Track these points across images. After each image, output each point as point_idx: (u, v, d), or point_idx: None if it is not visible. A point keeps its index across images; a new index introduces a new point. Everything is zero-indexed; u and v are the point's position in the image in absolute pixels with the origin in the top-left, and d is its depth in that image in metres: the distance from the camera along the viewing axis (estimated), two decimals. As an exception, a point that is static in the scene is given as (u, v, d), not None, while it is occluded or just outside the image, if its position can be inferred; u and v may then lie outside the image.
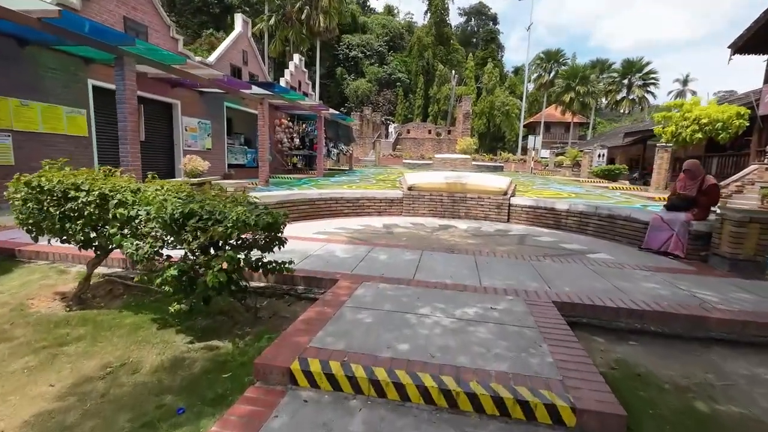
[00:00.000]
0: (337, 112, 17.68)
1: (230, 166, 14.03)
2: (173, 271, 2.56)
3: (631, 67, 38.60)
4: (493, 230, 6.69)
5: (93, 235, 3.08)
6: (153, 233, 2.68)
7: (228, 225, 2.50)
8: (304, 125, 18.30)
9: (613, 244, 5.86)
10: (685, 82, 60.92)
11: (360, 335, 2.43)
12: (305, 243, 4.94)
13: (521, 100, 50.47)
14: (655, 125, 13.87)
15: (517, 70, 68.74)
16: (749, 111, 11.86)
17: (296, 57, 19.94)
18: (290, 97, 13.12)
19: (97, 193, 2.86)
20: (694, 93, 62.26)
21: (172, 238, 2.72)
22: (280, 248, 3.04)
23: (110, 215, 2.80)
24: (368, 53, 55.61)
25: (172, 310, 2.64)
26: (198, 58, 12.89)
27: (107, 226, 2.91)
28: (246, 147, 15.22)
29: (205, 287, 2.54)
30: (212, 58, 13.87)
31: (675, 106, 12.83)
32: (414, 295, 3.18)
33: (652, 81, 38.23)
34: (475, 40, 67.41)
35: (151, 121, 10.15)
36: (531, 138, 26.42)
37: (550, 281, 3.73)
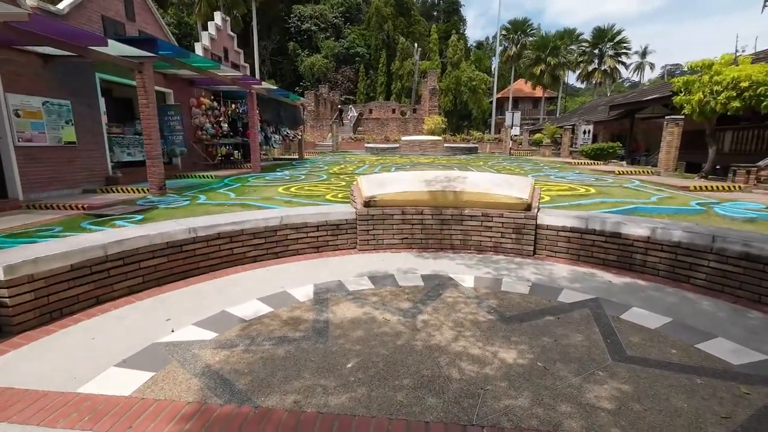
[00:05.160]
0: (276, 88, 13.81)
1: (120, 164, 10.04)
2: None
3: (603, 36, 36.50)
4: (526, 289, 3.51)
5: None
6: None
7: None
8: (234, 106, 14.30)
9: (784, 325, 2.83)
10: (643, 54, 60.59)
11: None
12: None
13: (487, 75, 47.75)
14: (678, 92, 11.17)
15: (480, 45, 66.01)
16: (799, 70, 9.31)
17: (218, 16, 15.57)
18: (196, 63, 9.24)
19: None
20: (652, 66, 62.17)
21: None
22: None
23: None
24: (323, 26, 50.68)
25: None
26: (32, 2, 8.62)
27: None
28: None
29: None
30: (64, 4, 9.52)
31: (702, 66, 10.14)
32: None
33: (624, 51, 36.38)
34: (436, 12, 63.74)
35: (-64, 102, 6.10)
36: (508, 114, 23.56)
37: None
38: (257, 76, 19.64)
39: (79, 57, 7.26)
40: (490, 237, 4.67)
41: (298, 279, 3.74)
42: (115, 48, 7.01)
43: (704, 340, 2.59)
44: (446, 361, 2.33)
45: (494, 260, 4.39)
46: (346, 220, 4.72)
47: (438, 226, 4.76)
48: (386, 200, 4.74)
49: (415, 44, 46.91)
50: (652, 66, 60.93)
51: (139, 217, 5.98)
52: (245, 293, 3.36)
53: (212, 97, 13.49)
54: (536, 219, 4.52)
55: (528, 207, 4.56)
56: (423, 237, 4.79)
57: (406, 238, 4.79)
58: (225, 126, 13.53)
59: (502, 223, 4.61)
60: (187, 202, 7.31)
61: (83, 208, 6.71)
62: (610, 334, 2.67)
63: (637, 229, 3.95)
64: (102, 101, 9.20)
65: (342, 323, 2.81)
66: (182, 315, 2.94)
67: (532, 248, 4.55)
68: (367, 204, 4.74)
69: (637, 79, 61.84)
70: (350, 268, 4.06)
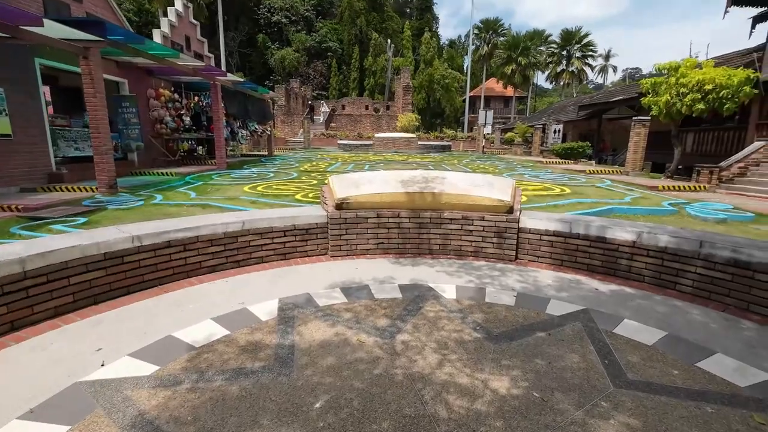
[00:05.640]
0: (243, 80, 13.09)
1: (67, 160, 9.13)
2: None
3: (570, 38, 37.49)
4: (512, 300, 3.26)
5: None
6: None
7: None
8: (197, 98, 13.48)
9: (778, 337, 2.70)
10: (607, 57, 62.71)
11: None
12: None
13: (460, 73, 48.08)
14: (646, 94, 11.39)
15: (452, 43, 66.64)
16: (758, 74, 9.69)
17: (179, 2, 14.61)
18: (153, 51, 8.50)
19: None
20: (615, 68, 64.71)
21: None
22: None
23: None
24: (294, 18, 49.44)
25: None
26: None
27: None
28: (99, 130, 10.22)
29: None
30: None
31: (669, 68, 10.37)
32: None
33: (590, 53, 37.53)
34: (409, 9, 63.69)
35: None
36: (481, 113, 23.66)
37: None
38: (223, 67, 18.67)
39: (11, 38, 6.43)
40: (471, 241, 4.41)
41: (261, 292, 3.32)
42: (55, 30, 6.25)
43: (704, 357, 2.41)
44: (431, 394, 2.01)
45: (475, 266, 4.13)
46: (317, 224, 4.33)
47: (416, 230, 4.45)
48: (360, 202, 4.38)
49: (388, 40, 46.64)
50: (614, 69, 63.43)
51: (82, 219, 5.33)
52: (198, 312, 2.91)
53: (173, 89, 12.63)
54: (518, 222, 4.30)
55: (510, 209, 4.33)
56: (400, 242, 4.47)
57: (382, 243, 4.45)
58: (187, 120, 12.70)
59: (483, 226, 4.36)
60: (141, 202, 6.66)
61: (17, 210, 5.95)
62: (606, 353, 2.44)
63: (622, 233, 3.79)
64: (44, 90, 8.30)
65: (310, 348, 2.44)
66: (118, 342, 2.47)
67: (513, 253, 4.33)
68: (339, 206, 4.36)
69: (600, 82, 64.17)
70: (321, 278, 3.68)
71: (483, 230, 4.36)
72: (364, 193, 4.40)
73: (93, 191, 7.53)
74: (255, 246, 4.03)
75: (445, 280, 3.68)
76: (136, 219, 5.22)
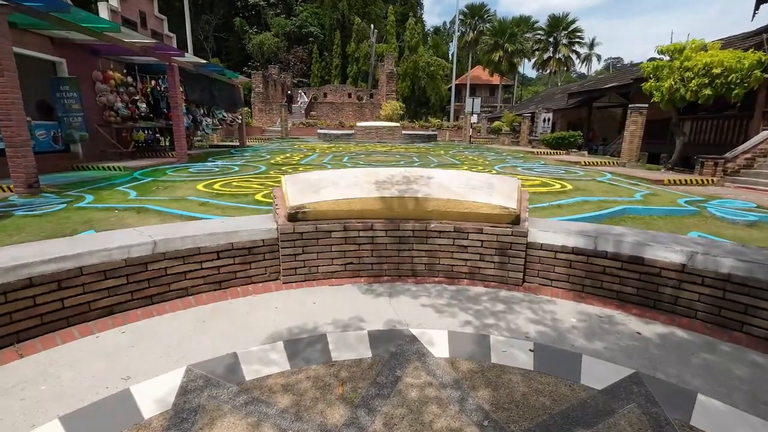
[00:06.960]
0: (206, 62, 11.69)
1: (-11, 153, 7.74)
2: None
3: (558, 24, 36.59)
4: (529, 359, 2.28)
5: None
6: None
7: None
8: (154, 82, 12.05)
9: None
10: (591, 45, 62.15)
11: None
12: None
13: (445, 60, 46.87)
14: (646, 78, 10.51)
15: (437, 30, 65.12)
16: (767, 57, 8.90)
17: (130, -29, 13.03)
18: (85, 23, 7.13)
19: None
20: (599, 57, 64.46)
21: None
22: None
23: None
24: (272, 1, 47.12)
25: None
26: None
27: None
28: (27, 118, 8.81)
29: None
30: None
31: (673, 50, 9.51)
32: None
33: (578, 40, 36.78)
34: (393, -6, 61.52)
35: None
36: (468, 101, 22.61)
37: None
38: (190, 50, 17.08)
39: None
40: (465, 260, 3.42)
41: (165, 352, 2.26)
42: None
43: None
44: None
45: (472, 295, 3.14)
46: (263, 240, 3.25)
47: (394, 245, 3.43)
48: (321, 211, 3.32)
49: (371, 26, 44.91)
50: (599, 57, 63.07)
51: (-33, 232, 4.12)
52: (47, 401, 1.84)
53: (125, 71, 11.19)
54: (527, 236, 3.31)
55: (516, 219, 3.34)
56: (374, 261, 3.44)
57: (351, 263, 3.42)
58: (143, 106, 11.29)
59: (482, 241, 3.36)
60: (63, 205, 5.43)
61: None
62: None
63: (666, 253, 2.85)
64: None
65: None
66: None
67: (521, 276, 3.35)
68: (294, 217, 3.29)
69: (584, 71, 63.73)
70: (260, 322, 2.64)
71: (481, 246, 3.37)
72: (326, 200, 3.34)
73: (10, 191, 6.25)
74: (175, 274, 2.94)
75: (433, 322, 2.68)
76: (43, 229, 4.09)
